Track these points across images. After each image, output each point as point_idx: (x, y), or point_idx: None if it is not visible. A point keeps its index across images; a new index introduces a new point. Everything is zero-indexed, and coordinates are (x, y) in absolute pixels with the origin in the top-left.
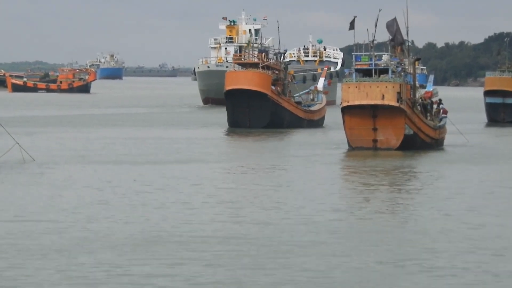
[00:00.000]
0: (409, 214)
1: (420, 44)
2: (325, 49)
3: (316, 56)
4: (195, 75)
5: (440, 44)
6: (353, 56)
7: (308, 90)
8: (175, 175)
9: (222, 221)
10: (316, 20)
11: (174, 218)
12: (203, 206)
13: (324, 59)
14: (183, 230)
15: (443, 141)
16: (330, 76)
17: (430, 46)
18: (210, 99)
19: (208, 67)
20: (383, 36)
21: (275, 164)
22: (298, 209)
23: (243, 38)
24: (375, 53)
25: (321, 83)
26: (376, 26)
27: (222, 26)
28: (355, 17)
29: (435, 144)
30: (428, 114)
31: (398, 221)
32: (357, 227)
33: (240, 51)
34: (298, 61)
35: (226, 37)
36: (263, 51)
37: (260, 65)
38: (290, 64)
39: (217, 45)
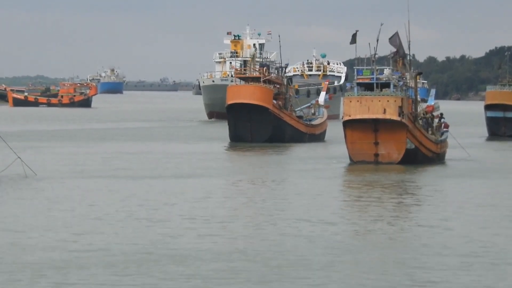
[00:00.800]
0: (410, 228)
1: (421, 58)
2: (328, 63)
3: (320, 70)
4: (199, 88)
5: (441, 58)
6: (355, 70)
7: (309, 104)
8: (174, 190)
9: (220, 236)
10: (318, 34)
11: (171, 234)
12: (201, 221)
13: (328, 73)
14: (179, 245)
15: (445, 155)
16: (334, 90)
17: (431, 60)
18: (215, 113)
19: (213, 81)
20: (385, 50)
21: (276, 178)
22: (298, 224)
23: (247, 53)
24: (377, 67)
25: (322, 97)
26: (377, 40)
27: (227, 41)
28: (357, 31)
29: (437, 158)
30: (430, 128)
31: (399, 235)
32: (358, 242)
33: (245, 66)
34: (302, 75)
35: (231, 52)
36: (265, 65)
37: (261, 79)
38: (294, 77)
39: (222, 60)
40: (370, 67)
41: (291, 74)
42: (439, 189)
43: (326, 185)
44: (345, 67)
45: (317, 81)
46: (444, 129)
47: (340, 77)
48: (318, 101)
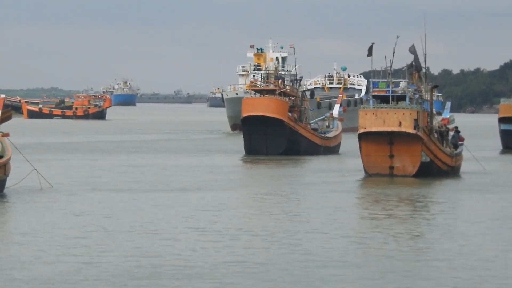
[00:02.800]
0: (425, 243)
1: (435, 71)
2: (349, 76)
3: (341, 83)
4: (223, 101)
5: (455, 71)
6: (371, 82)
7: (323, 117)
8: (185, 202)
9: (228, 249)
10: (333, 47)
11: (178, 247)
12: (210, 234)
13: (348, 86)
14: (188, 259)
15: (460, 168)
16: (354, 103)
17: (446, 73)
18: (238, 126)
19: (237, 94)
20: (401, 63)
21: (291, 191)
22: (312, 237)
23: (270, 66)
24: (393, 80)
25: (336, 109)
26: (394, 52)
27: (250, 54)
28: (373, 43)
29: (452, 171)
30: (444, 141)
31: (413, 250)
32: (371, 256)
33: (268, 79)
34: (323, 88)
35: (254, 65)
36: (280, 77)
37: (276, 92)
38: (315, 90)
39: (245, 73)
40: (385, 80)
41: (312, 86)
42: (454, 203)
43: (340, 198)
44: (365, 80)
45: (338, 94)
46: (459, 142)
47: (360, 90)
48: (332, 113)
